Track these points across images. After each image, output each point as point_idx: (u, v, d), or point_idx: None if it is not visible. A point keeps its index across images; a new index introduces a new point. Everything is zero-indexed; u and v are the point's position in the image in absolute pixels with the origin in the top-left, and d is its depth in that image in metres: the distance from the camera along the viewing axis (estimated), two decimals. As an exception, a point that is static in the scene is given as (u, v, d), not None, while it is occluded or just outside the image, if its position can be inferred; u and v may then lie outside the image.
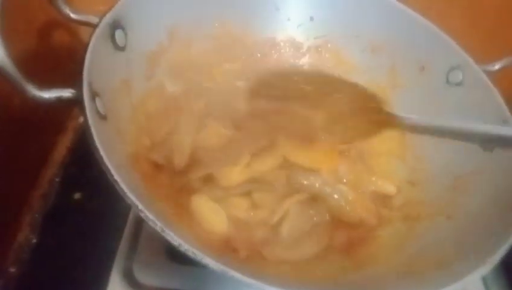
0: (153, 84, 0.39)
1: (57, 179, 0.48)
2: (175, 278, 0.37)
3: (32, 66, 0.41)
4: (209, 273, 0.36)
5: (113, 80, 0.33)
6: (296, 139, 0.38)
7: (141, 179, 0.31)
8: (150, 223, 0.23)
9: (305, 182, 0.36)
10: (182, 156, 0.35)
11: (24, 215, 0.44)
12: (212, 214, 0.32)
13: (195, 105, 0.40)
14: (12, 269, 0.40)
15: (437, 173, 0.38)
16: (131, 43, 0.35)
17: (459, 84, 0.40)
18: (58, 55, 0.46)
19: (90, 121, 0.26)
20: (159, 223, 0.23)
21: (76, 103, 0.27)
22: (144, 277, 0.37)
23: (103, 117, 0.29)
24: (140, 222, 0.40)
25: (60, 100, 0.28)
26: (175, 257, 0.38)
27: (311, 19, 0.47)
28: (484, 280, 0.43)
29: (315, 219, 0.35)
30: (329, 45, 0.47)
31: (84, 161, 0.47)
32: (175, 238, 0.23)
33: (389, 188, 0.38)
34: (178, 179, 0.35)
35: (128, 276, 0.37)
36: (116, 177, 0.24)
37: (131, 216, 0.42)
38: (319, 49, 0.48)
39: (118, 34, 0.34)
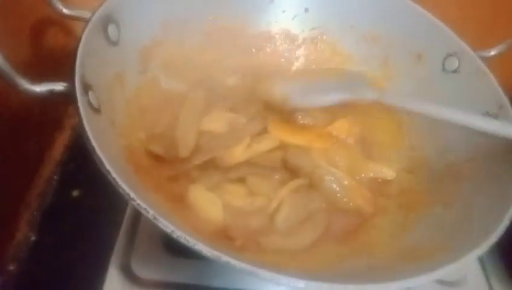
0: (147, 78, 0.39)
1: (55, 177, 0.48)
2: (172, 271, 0.37)
3: (25, 61, 0.41)
4: (207, 266, 0.37)
5: (106, 73, 0.33)
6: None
7: (136, 171, 0.31)
8: (142, 211, 0.23)
9: (299, 163, 0.36)
10: (188, 144, 0.36)
11: (22, 213, 0.44)
12: (208, 204, 0.33)
13: (196, 96, 0.40)
14: (11, 267, 0.40)
15: (433, 161, 0.38)
16: (125, 38, 0.35)
17: (455, 71, 0.40)
18: (51, 51, 0.46)
19: (83, 113, 0.26)
20: (151, 211, 0.23)
21: (70, 97, 0.28)
22: (141, 270, 0.37)
23: (96, 110, 0.30)
24: (137, 217, 0.40)
25: (52, 93, 0.28)
26: (172, 250, 0.38)
27: (306, 10, 0.47)
28: (481, 261, 0.43)
29: (311, 206, 0.35)
30: (324, 36, 0.47)
31: (81, 159, 0.47)
32: (167, 225, 0.23)
33: (387, 173, 0.38)
34: (177, 169, 0.35)
35: (126, 270, 0.37)
36: (108, 167, 0.24)
37: (128, 211, 0.41)
38: (315, 40, 0.48)
39: (111, 28, 0.34)
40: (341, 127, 0.41)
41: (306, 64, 0.48)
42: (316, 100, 0.38)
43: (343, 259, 0.31)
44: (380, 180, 0.39)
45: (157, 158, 0.35)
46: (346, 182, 0.36)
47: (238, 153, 0.36)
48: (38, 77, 0.28)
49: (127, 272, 0.37)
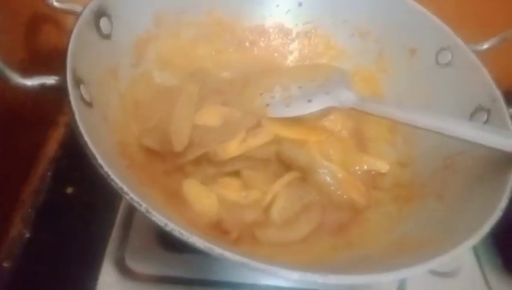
0: (141, 72, 0.38)
1: (49, 174, 0.48)
2: (167, 265, 0.37)
3: (18, 57, 0.41)
4: (201, 260, 0.37)
5: (99, 67, 0.33)
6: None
7: (130, 166, 0.31)
8: (135, 204, 0.23)
9: (293, 156, 0.36)
10: (182, 139, 0.35)
11: (17, 210, 0.44)
12: (202, 197, 0.33)
13: (190, 90, 0.40)
14: (5, 264, 0.40)
15: (427, 154, 0.38)
16: (117, 31, 0.35)
17: (448, 64, 0.40)
18: (45, 47, 0.45)
19: (74, 107, 0.26)
20: (143, 205, 0.23)
21: (62, 91, 0.27)
22: (135, 264, 0.37)
23: (89, 104, 0.29)
24: (131, 211, 0.40)
25: (43, 87, 0.28)
26: (166, 244, 0.38)
27: (300, 4, 0.47)
28: (475, 251, 0.43)
29: (305, 199, 0.35)
30: (318, 31, 0.47)
31: (76, 156, 0.47)
32: (160, 219, 0.22)
33: (381, 166, 0.39)
34: (172, 163, 0.35)
35: (120, 264, 0.37)
36: (101, 161, 0.24)
37: (122, 206, 0.41)
38: (308, 34, 0.48)
39: (103, 22, 0.34)
40: (335, 121, 0.41)
41: (300, 58, 0.48)
42: (295, 110, 0.38)
43: (338, 251, 0.31)
44: (373, 173, 0.39)
45: (151, 153, 0.35)
46: (340, 175, 0.36)
47: (233, 147, 0.36)
48: (32, 72, 0.28)
49: (121, 267, 0.37)
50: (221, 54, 0.45)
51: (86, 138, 0.25)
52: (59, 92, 0.28)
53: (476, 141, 0.30)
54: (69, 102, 0.26)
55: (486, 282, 0.42)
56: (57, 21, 0.45)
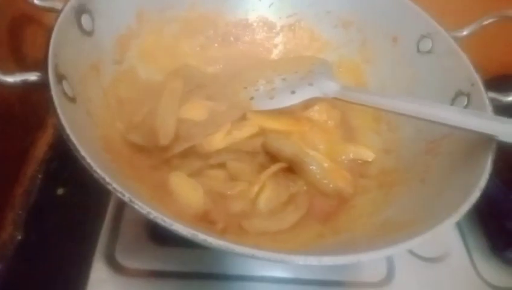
0: (124, 68, 0.39)
1: (39, 176, 0.48)
2: (157, 259, 0.37)
3: (3, 58, 0.41)
4: (191, 253, 0.37)
5: (81, 63, 0.33)
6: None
7: (115, 161, 0.31)
8: (118, 194, 0.23)
9: (279, 147, 0.36)
10: (167, 133, 0.36)
11: (7, 212, 0.43)
12: (189, 190, 0.33)
13: (174, 85, 0.40)
14: (-3, 266, 0.40)
15: (410, 140, 0.39)
16: (99, 28, 0.35)
17: (429, 52, 0.41)
18: (29, 47, 0.45)
19: (56, 102, 0.26)
20: (127, 195, 0.23)
21: (46, 88, 0.27)
22: (126, 260, 0.37)
23: (72, 100, 0.30)
24: (121, 207, 0.40)
25: (26, 83, 0.28)
26: (156, 239, 0.38)
27: (283, -3, 0.47)
28: (462, 235, 0.44)
29: (292, 189, 0.35)
30: (302, 23, 0.48)
31: (65, 157, 0.47)
32: (143, 207, 0.23)
33: (367, 154, 0.39)
34: (157, 158, 0.35)
35: (111, 260, 0.37)
36: (83, 153, 0.24)
37: (112, 202, 0.42)
38: (292, 27, 0.48)
39: (84, 18, 0.34)
40: (321, 111, 0.41)
41: (285, 52, 0.49)
42: (280, 102, 0.39)
43: (324, 238, 0.32)
44: (359, 161, 0.40)
45: (136, 148, 0.35)
46: (326, 165, 0.37)
47: (218, 140, 0.36)
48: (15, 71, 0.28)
49: (112, 263, 0.37)
50: (206, 50, 0.46)
51: (68, 130, 0.25)
52: (47, 93, 0.28)
53: (456, 125, 0.30)
54: (50, 97, 0.26)
55: (474, 266, 0.43)
56: (41, 21, 0.45)
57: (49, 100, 0.27)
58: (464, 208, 0.26)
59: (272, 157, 0.37)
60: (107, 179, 0.24)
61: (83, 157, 0.24)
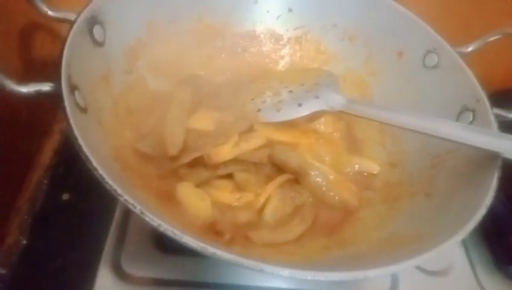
0: (134, 78, 0.39)
1: (44, 181, 0.48)
2: (162, 268, 0.37)
3: (13, 65, 0.41)
4: (196, 262, 0.37)
5: (93, 74, 0.33)
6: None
7: (124, 170, 0.31)
8: (130, 206, 0.24)
9: (285, 159, 0.36)
10: (176, 143, 0.36)
11: (13, 217, 0.44)
12: (196, 200, 0.33)
13: (183, 95, 0.40)
14: (2, 271, 0.40)
15: (415, 153, 0.39)
16: (110, 39, 0.36)
17: (435, 67, 0.41)
18: (39, 55, 0.46)
19: (69, 113, 0.27)
20: (138, 206, 0.23)
21: (57, 98, 0.28)
22: (131, 268, 0.37)
23: (83, 110, 0.30)
24: (127, 215, 0.41)
25: (39, 94, 0.28)
26: (162, 247, 0.38)
27: (290, 10, 0.48)
28: (466, 249, 0.44)
29: (298, 201, 0.35)
30: (308, 36, 0.48)
31: (71, 163, 0.48)
32: (154, 219, 0.23)
33: (372, 167, 0.40)
34: (165, 168, 0.35)
35: (117, 268, 0.37)
36: (95, 164, 0.25)
37: (118, 210, 0.42)
38: (299, 40, 0.49)
39: (96, 29, 0.34)
40: (326, 123, 0.42)
41: (291, 63, 0.49)
42: (286, 115, 0.39)
43: (330, 251, 0.32)
44: (364, 174, 0.40)
45: (145, 157, 0.36)
46: (331, 177, 0.37)
47: (226, 151, 0.36)
48: (26, 79, 0.29)
49: (118, 270, 0.37)
50: (213, 60, 0.46)
51: (81, 141, 0.25)
52: (54, 100, 0.28)
53: (461, 141, 0.31)
54: (63, 108, 0.27)
55: (478, 280, 0.43)
56: (51, 29, 0.46)
57: (62, 111, 0.27)
58: (470, 225, 0.26)
59: (278, 168, 0.37)
60: (119, 191, 0.24)
61: (95, 169, 0.24)
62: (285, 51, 0.49)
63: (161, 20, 0.41)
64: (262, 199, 0.35)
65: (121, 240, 0.39)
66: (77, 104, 0.29)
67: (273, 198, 0.35)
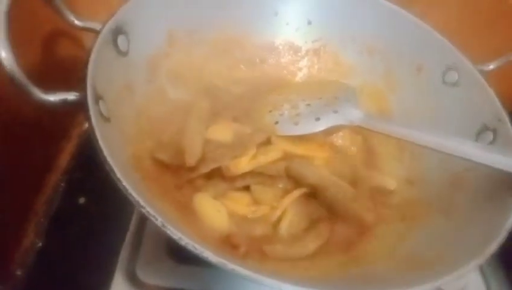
0: (155, 88, 0.40)
1: (61, 185, 0.49)
2: (177, 277, 0.37)
3: (39, 72, 0.42)
4: (211, 273, 0.38)
5: (116, 83, 0.34)
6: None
7: (143, 179, 0.32)
8: (152, 218, 0.24)
9: (302, 172, 0.36)
10: (194, 153, 0.36)
11: (30, 219, 0.44)
12: (213, 211, 0.33)
13: (201, 105, 0.41)
14: (18, 272, 0.41)
15: (434, 171, 0.38)
16: (134, 48, 0.36)
17: (455, 84, 0.41)
18: (62, 62, 0.47)
19: (94, 123, 0.27)
20: (159, 219, 0.24)
21: (81, 106, 0.28)
22: (146, 276, 0.37)
23: (107, 119, 0.30)
24: (143, 223, 0.41)
25: (65, 103, 0.29)
26: (177, 257, 0.38)
27: (309, 22, 0.48)
28: (481, 270, 0.43)
29: (314, 215, 0.35)
30: (327, 48, 0.48)
31: (88, 167, 0.48)
32: (175, 233, 0.23)
33: (389, 183, 0.39)
34: (183, 177, 0.36)
35: (131, 276, 0.38)
36: (119, 175, 0.25)
37: (134, 218, 0.42)
38: (317, 52, 0.49)
39: (121, 39, 0.35)
40: (344, 137, 0.42)
41: (309, 75, 0.49)
42: (304, 129, 0.39)
43: (345, 268, 0.32)
44: (381, 190, 0.40)
45: (163, 166, 0.36)
46: (348, 192, 0.37)
47: (244, 163, 0.36)
48: (48, 86, 0.29)
49: (133, 278, 0.38)
50: (232, 71, 0.47)
51: (106, 153, 0.26)
52: (73, 106, 0.29)
53: (481, 162, 0.30)
54: (89, 118, 0.27)
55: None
56: (75, 36, 0.47)
57: (87, 121, 0.27)
58: (490, 249, 0.26)
59: (295, 182, 0.37)
60: (141, 203, 0.24)
61: (119, 180, 0.25)
62: (303, 62, 0.49)
63: (182, 30, 0.42)
64: (278, 213, 0.35)
65: (137, 248, 0.39)
66: (101, 114, 0.29)
67: (288, 212, 0.35)
